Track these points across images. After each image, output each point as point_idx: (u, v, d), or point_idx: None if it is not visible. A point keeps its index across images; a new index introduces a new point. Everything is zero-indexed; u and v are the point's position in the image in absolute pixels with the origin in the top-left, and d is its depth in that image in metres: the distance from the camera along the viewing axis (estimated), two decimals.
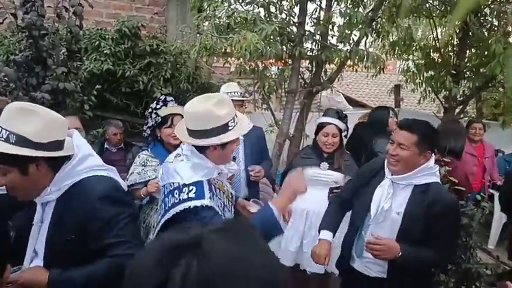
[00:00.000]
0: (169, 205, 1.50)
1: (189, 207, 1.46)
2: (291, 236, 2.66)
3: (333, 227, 2.06)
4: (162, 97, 2.47)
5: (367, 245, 1.78)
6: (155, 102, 2.47)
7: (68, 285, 1.29)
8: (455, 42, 4.86)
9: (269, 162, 2.98)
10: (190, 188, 1.49)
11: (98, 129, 3.82)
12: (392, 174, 1.88)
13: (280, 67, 4.36)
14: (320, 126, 2.70)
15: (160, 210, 1.60)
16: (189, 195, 1.48)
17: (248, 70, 4.31)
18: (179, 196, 1.49)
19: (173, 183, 1.52)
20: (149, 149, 2.46)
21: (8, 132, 1.25)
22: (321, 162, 2.67)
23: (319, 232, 2.06)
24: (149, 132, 2.49)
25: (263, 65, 4.22)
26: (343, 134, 2.72)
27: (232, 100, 2.66)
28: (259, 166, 2.65)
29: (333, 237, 2.03)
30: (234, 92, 2.83)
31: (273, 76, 4.45)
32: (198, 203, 1.47)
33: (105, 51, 4.31)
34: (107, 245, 1.34)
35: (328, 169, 2.65)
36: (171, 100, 2.43)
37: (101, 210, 1.34)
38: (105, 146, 3.95)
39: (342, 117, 2.70)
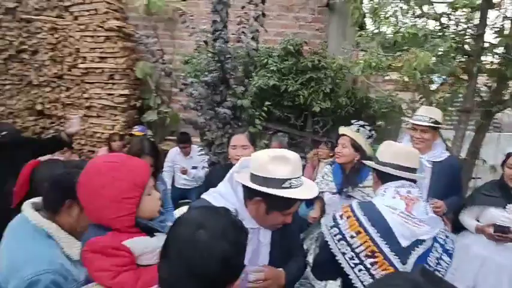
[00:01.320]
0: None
1: None
2: (460, 280, 2.31)
3: None
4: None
5: None
6: None
7: (291, 280, 1.55)
8: None
9: (458, 198, 2.59)
10: None
11: (265, 141, 4.22)
12: None
13: (444, 77, 4.00)
14: (507, 157, 2.36)
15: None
16: None
17: (410, 84, 4.12)
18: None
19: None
20: (331, 165, 2.63)
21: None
22: (508, 203, 2.31)
23: None
24: None
25: (428, 78, 3.96)
26: None
27: (416, 124, 2.55)
28: (441, 202, 2.40)
29: None
30: (421, 116, 2.56)
31: (437, 88, 4.12)
32: None
33: (271, 68, 4.73)
34: (297, 247, 1.66)
35: None
36: (358, 125, 2.51)
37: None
38: None
39: None
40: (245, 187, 1.37)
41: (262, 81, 4.64)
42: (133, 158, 1.26)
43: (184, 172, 4.46)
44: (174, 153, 4.70)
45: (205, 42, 3.73)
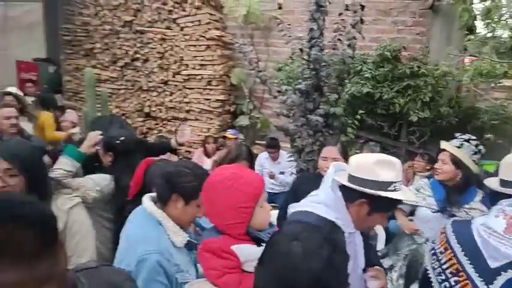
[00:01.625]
0: None
1: None
2: None
3: None
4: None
5: None
6: None
7: None
8: None
9: None
10: None
11: (357, 150, 4.11)
12: None
13: None
14: None
15: None
16: None
17: None
18: None
19: None
20: (429, 179, 2.50)
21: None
22: None
23: None
24: None
25: None
26: None
27: None
28: None
29: None
30: None
31: None
32: None
33: (365, 75, 4.58)
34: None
35: None
36: (462, 139, 2.33)
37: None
38: None
39: None
40: (346, 190, 1.39)
41: (356, 88, 4.52)
42: (249, 170, 1.37)
43: (272, 176, 4.56)
44: (262, 157, 4.83)
45: (301, 50, 3.77)
